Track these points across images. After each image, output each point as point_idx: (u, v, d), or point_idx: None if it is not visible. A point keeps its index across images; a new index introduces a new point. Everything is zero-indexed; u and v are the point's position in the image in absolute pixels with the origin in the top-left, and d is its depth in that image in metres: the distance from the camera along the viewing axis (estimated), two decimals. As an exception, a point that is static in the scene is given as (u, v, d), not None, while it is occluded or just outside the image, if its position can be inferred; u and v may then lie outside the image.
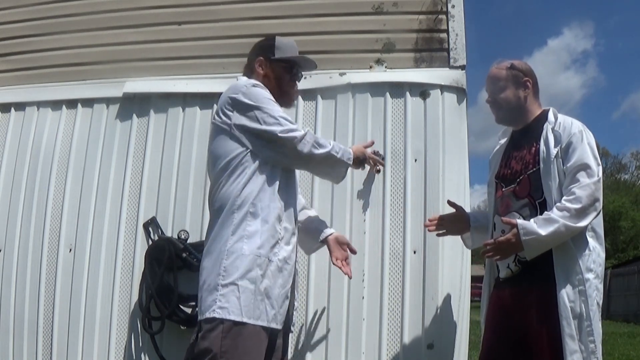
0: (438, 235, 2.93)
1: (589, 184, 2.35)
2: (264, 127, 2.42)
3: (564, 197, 2.37)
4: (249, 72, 2.64)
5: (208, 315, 2.26)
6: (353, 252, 2.82)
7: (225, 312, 2.23)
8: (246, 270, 2.28)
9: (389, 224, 3.26)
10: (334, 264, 2.73)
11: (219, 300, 2.25)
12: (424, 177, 3.30)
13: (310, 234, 2.79)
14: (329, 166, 2.57)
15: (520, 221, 2.38)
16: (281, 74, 2.61)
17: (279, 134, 2.41)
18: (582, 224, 2.34)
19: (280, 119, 2.44)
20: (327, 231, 2.78)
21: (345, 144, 3.39)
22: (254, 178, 2.39)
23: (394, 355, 3.11)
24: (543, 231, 2.32)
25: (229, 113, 2.45)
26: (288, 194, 2.48)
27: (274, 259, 2.35)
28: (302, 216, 2.77)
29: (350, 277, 2.80)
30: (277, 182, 2.43)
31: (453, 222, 2.83)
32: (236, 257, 2.29)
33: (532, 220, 2.38)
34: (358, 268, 3.23)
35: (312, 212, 2.92)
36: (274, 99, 2.50)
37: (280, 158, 2.46)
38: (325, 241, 2.76)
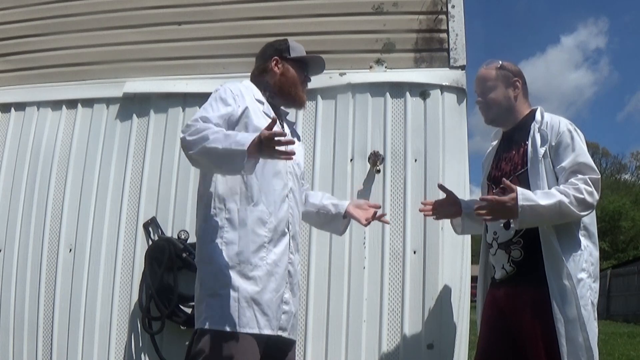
0: (427, 216, 2.86)
1: (591, 180, 2.35)
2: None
3: (564, 185, 2.36)
4: (259, 72, 2.57)
5: (198, 325, 2.28)
6: (376, 206, 2.68)
7: (211, 323, 2.22)
8: (226, 278, 2.23)
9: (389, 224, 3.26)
10: (365, 224, 2.60)
11: (205, 311, 2.25)
12: (424, 177, 3.30)
13: (330, 217, 2.66)
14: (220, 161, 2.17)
15: (520, 188, 2.36)
16: (297, 73, 2.56)
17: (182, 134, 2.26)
18: (576, 212, 2.33)
19: (198, 117, 2.26)
20: (343, 204, 2.64)
21: (345, 144, 3.40)
22: (224, 182, 2.32)
23: (394, 355, 3.11)
24: (541, 201, 2.30)
25: None
26: (274, 196, 2.36)
27: (261, 263, 2.27)
28: (311, 207, 2.65)
29: (388, 223, 3.06)
30: (253, 184, 2.31)
31: (445, 206, 2.80)
32: (214, 266, 2.25)
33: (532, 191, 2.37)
34: (359, 268, 3.24)
35: (317, 198, 2.70)
36: (239, 97, 2.36)
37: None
38: (347, 214, 2.63)
